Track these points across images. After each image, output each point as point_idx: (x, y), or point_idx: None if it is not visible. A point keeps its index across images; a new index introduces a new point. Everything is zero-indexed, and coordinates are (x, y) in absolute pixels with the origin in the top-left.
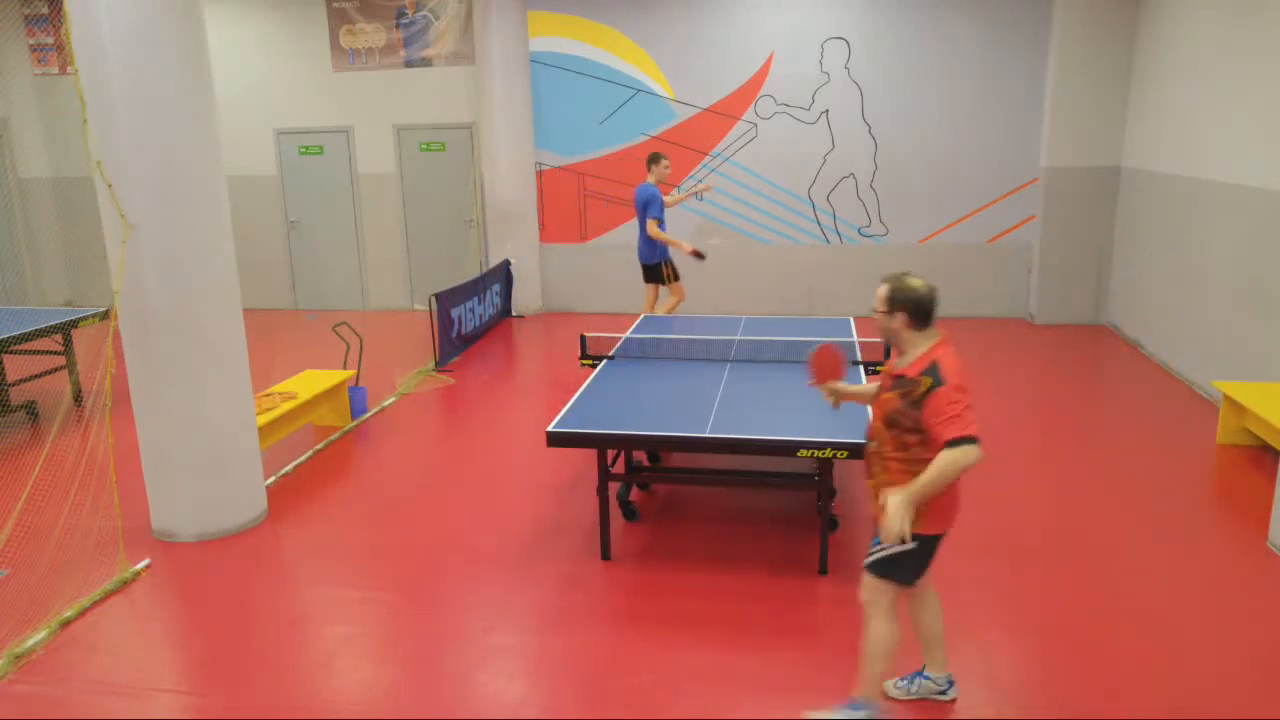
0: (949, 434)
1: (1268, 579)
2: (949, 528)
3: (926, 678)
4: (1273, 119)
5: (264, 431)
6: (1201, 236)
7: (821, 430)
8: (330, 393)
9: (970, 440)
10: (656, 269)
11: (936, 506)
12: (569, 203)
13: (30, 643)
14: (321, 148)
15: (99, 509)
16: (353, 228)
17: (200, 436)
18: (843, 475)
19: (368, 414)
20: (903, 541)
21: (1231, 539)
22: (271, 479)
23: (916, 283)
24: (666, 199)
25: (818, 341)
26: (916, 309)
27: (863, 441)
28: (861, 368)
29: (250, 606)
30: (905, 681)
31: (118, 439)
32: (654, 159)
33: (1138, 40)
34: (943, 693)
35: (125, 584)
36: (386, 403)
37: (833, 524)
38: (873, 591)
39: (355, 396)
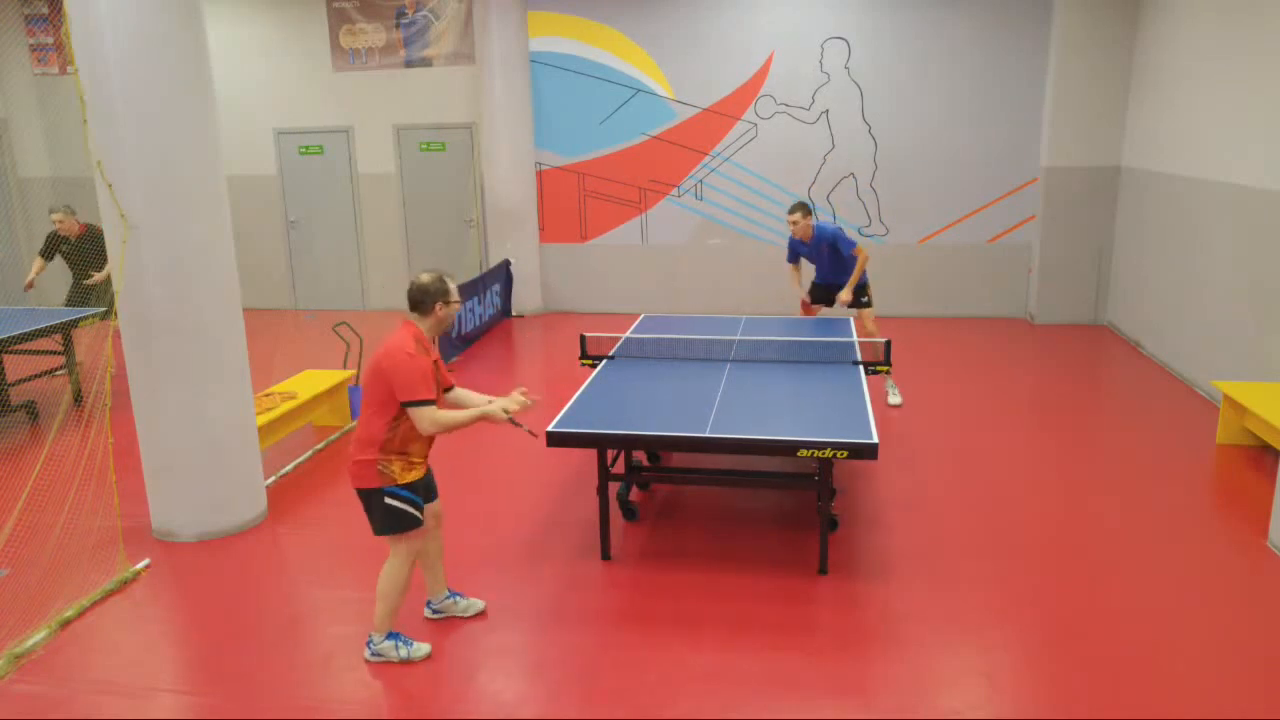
0: None
1: (1268, 579)
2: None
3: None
4: (1273, 119)
5: (264, 431)
6: (1201, 236)
7: (821, 430)
8: (330, 393)
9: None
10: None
11: None
12: (569, 203)
13: (30, 643)
14: (321, 148)
15: (99, 509)
16: (353, 228)
17: (200, 436)
18: (843, 475)
19: None
20: None
21: (1231, 539)
22: (271, 479)
23: (419, 277)
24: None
25: (817, 341)
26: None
27: (864, 441)
28: (861, 368)
29: (250, 606)
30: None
31: (118, 439)
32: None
33: (1138, 40)
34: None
35: (125, 584)
36: None
37: (833, 524)
38: None
39: (355, 396)
